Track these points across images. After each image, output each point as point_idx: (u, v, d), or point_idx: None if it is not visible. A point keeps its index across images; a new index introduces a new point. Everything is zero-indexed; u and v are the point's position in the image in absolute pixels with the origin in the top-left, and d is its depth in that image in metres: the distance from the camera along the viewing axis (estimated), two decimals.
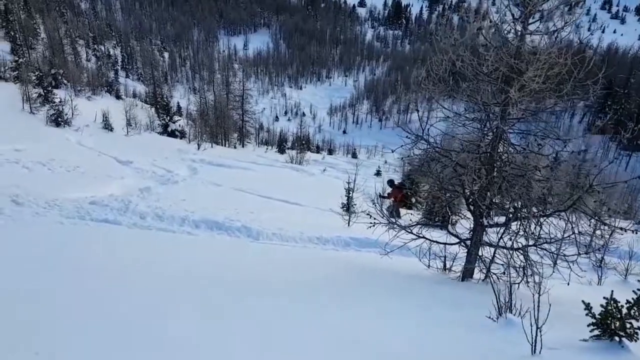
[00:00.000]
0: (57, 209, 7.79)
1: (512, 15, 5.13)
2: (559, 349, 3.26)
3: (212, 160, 22.58)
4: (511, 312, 3.95)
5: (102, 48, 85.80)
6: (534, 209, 5.53)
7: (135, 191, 10.71)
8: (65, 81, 36.06)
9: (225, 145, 39.72)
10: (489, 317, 3.95)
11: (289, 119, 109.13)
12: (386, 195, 14.78)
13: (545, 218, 5.63)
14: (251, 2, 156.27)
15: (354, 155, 64.20)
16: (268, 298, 4.53)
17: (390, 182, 15.39)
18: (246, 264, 6.35)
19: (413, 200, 19.29)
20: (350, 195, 11.76)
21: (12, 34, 50.80)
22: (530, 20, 5.18)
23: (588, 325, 3.39)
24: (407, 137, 6.21)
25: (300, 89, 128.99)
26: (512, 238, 5.84)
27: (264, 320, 3.82)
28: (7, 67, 36.53)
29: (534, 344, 3.13)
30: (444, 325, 4.14)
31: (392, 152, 6.33)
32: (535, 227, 5.73)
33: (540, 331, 3.09)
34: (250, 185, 15.76)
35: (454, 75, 5.61)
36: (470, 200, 6.16)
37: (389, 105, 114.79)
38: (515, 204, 5.76)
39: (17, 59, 37.24)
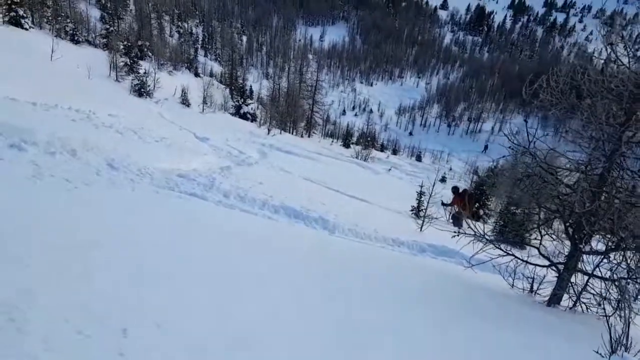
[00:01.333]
0: (148, 177, 8.02)
1: None
2: None
3: (281, 146, 22.74)
4: (627, 351, 3.63)
5: (186, 25, 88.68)
6: None
7: (217, 169, 10.91)
8: (149, 54, 37.49)
9: (292, 133, 40.04)
10: (598, 352, 3.66)
11: (355, 114, 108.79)
12: (449, 203, 14.38)
13: None
14: None
15: (419, 158, 63.08)
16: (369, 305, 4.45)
17: (455, 189, 14.94)
18: (340, 262, 6.28)
19: (481, 212, 18.67)
20: (427, 200, 11.43)
21: (103, 2, 53.44)
22: None
23: None
24: (510, 147, 5.93)
25: (371, 85, 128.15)
26: (614, 269, 5.46)
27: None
28: (97, 34, 38.52)
29: None
30: (545, 355, 3.89)
31: (493, 161, 6.06)
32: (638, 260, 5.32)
33: None
34: (317, 175, 15.74)
35: (573, 90, 5.27)
36: (571, 223, 5.80)
37: (459, 112, 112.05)
38: (622, 234, 5.35)
39: (107, 27, 39.03)
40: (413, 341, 3.72)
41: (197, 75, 44.90)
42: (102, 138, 9.25)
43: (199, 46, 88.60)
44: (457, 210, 14.36)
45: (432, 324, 4.31)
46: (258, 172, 12.46)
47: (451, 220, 14.26)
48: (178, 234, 5.37)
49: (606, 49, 5.00)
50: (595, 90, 5.13)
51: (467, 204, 14.53)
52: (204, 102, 29.81)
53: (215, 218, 7.03)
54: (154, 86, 26.36)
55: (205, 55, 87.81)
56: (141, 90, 24.46)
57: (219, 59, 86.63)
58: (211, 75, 56.85)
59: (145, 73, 26.02)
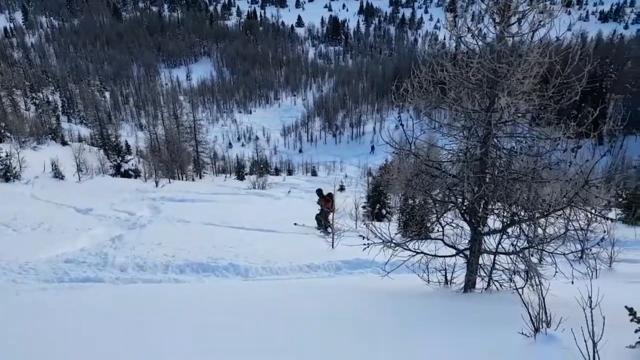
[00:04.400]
0: (32, 272, 7.20)
1: (493, 20, 5.07)
2: None
3: (174, 196, 21.92)
4: (548, 326, 3.73)
5: (41, 95, 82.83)
6: (535, 211, 5.44)
7: (107, 242, 10.04)
8: (7, 134, 34.47)
9: (182, 179, 38.86)
10: (522, 334, 3.74)
11: (242, 145, 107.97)
12: (319, 210, 14.85)
13: (544, 219, 5.56)
14: (189, 32, 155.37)
15: (314, 173, 63.97)
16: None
17: (319, 192, 15.53)
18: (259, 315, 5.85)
19: (383, 211, 19.30)
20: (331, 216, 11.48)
21: None
22: (510, 22, 5.13)
23: (636, 332, 3.21)
24: (394, 152, 6.07)
25: (250, 113, 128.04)
26: (514, 243, 5.75)
27: None
28: None
29: None
30: (476, 345, 3.91)
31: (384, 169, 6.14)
32: (535, 229, 5.65)
33: (596, 347, 2.89)
34: (219, 217, 15.31)
35: (437, 85, 5.51)
36: (465, 209, 6.04)
37: (340, 120, 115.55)
38: (514, 209, 5.66)
39: None
40: None
41: (64, 143, 41.93)
42: None
43: (60, 113, 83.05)
44: (324, 210, 14.78)
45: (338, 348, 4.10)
46: (154, 232, 11.74)
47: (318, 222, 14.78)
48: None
49: (456, 42, 5.28)
50: (456, 82, 5.40)
51: (328, 204, 14.99)
52: (79, 169, 27.86)
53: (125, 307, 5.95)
54: (20, 167, 24.13)
55: (69, 121, 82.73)
56: (7, 175, 22.31)
57: (84, 121, 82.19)
58: (80, 140, 53.46)
59: (7, 155, 23.67)
